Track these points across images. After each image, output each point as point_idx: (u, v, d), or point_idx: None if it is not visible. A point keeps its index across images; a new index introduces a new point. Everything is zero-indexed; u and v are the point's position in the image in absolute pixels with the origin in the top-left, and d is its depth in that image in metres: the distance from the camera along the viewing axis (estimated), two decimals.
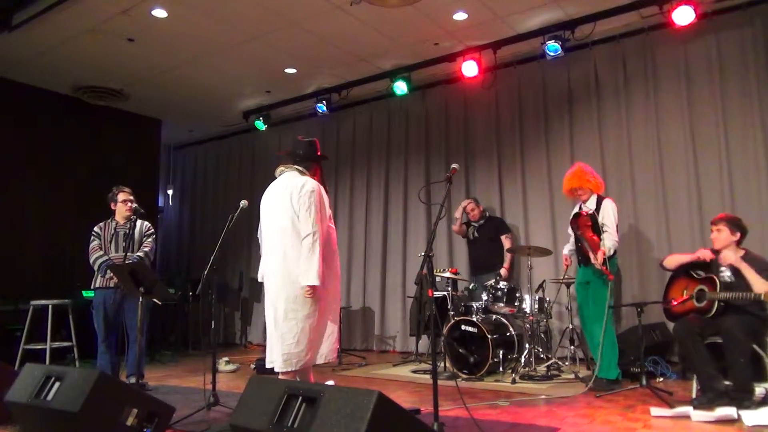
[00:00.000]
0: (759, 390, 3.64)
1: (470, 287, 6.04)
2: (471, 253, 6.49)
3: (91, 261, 4.95)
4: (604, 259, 4.45)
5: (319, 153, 3.86)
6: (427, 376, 5.21)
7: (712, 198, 5.51)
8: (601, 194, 4.83)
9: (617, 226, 4.70)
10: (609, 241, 4.55)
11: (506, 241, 6.21)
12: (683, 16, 5.37)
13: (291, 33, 6.11)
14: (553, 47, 5.97)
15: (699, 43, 5.75)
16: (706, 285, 3.97)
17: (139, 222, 5.08)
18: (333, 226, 3.78)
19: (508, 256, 6.12)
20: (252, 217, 8.67)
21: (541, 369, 5.18)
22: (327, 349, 3.61)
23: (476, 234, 6.36)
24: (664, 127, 5.86)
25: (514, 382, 4.81)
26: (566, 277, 5.56)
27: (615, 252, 4.67)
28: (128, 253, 4.84)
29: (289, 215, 3.56)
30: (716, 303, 3.85)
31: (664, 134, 5.85)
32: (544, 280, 5.68)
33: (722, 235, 4.01)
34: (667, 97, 5.87)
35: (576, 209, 4.91)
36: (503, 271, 5.98)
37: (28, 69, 6.94)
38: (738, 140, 5.45)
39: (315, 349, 3.56)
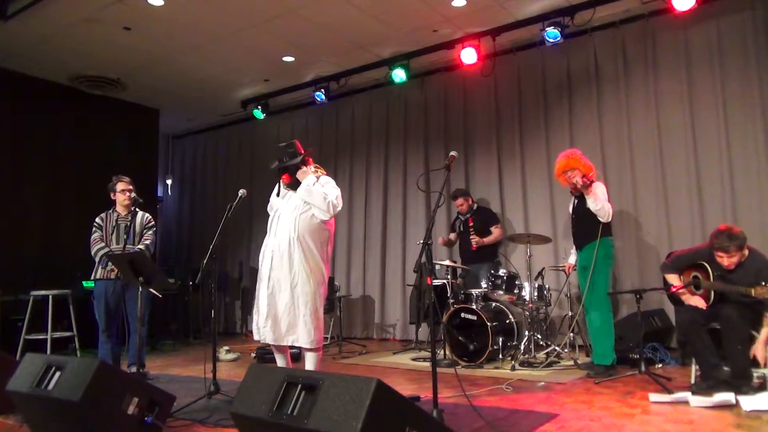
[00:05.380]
0: (757, 375, 3.66)
1: (459, 274, 6.12)
2: (461, 245, 6.48)
3: (93, 252, 4.95)
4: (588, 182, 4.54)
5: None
6: (427, 364, 5.23)
7: (711, 184, 5.50)
8: (593, 179, 4.74)
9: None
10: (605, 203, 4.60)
11: (495, 231, 6.25)
12: (683, 1, 5.34)
13: (289, 21, 6.07)
14: (552, 34, 5.94)
15: (699, 29, 5.71)
16: (700, 272, 3.98)
17: (139, 213, 5.07)
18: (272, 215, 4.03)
19: (494, 233, 6.22)
20: (252, 206, 8.69)
21: (541, 356, 5.20)
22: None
23: (461, 228, 6.38)
24: (664, 113, 5.83)
25: (513, 369, 4.83)
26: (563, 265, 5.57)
27: (610, 230, 4.67)
28: (128, 245, 4.84)
29: None
30: (712, 292, 3.86)
31: (663, 120, 5.83)
32: (543, 268, 5.68)
33: (734, 259, 3.77)
34: (667, 83, 5.84)
35: (573, 202, 4.94)
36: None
37: (24, 59, 6.90)
38: (738, 126, 5.43)
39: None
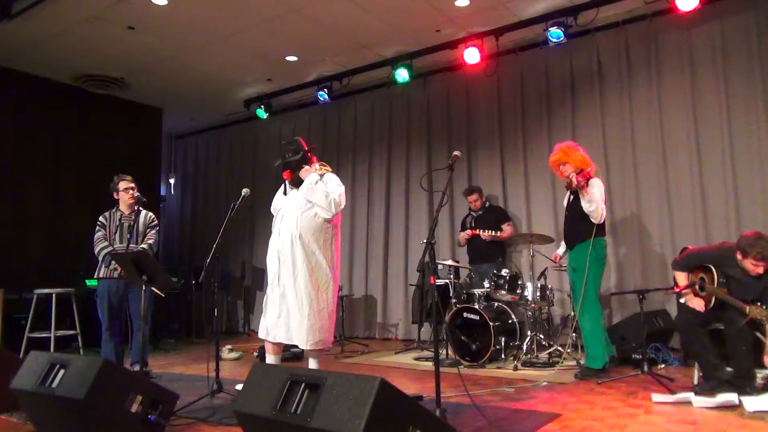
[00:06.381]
0: (760, 376, 3.65)
1: (468, 275, 6.07)
2: (468, 243, 6.42)
3: (96, 251, 4.96)
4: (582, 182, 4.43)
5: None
6: (430, 363, 5.24)
7: (715, 185, 5.49)
8: (590, 175, 4.58)
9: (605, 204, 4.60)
10: (599, 205, 4.47)
11: (507, 228, 6.17)
12: (687, 1, 5.33)
13: (292, 20, 6.07)
14: (555, 34, 5.93)
15: (702, 29, 5.70)
16: (707, 275, 3.96)
17: (143, 213, 5.08)
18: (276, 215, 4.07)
19: (506, 230, 6.09)
20: (254, 205, 8.70)
21: (543, 356, 5.19)
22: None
23: (473, 224, 6.34)
24: (667, 114, 5.82)
25: (515, 369, 4.84)
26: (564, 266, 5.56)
27: (603, 231, 4.60)
28: (131, 245, 4.85)
29: None
30: (713, 298, 3.85)
31: (666, 121, 5.82)
32: (546, 268, 5.68)
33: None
34: (670, 83, 5.84)
35: (568, 198, 4.87)
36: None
37: (28, 58, 6.92)
38: (741, 126, 5.42)
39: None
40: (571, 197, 4.80)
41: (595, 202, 4.45)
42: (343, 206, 3.88)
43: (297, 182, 3.92)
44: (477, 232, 6.05)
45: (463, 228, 6.50)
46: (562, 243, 5.09)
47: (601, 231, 4.59)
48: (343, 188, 3.93)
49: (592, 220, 4.48)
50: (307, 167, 3.91)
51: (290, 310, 3.74)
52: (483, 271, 6.00)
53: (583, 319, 4.55)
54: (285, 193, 4.03)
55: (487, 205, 6.41)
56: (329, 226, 3.86)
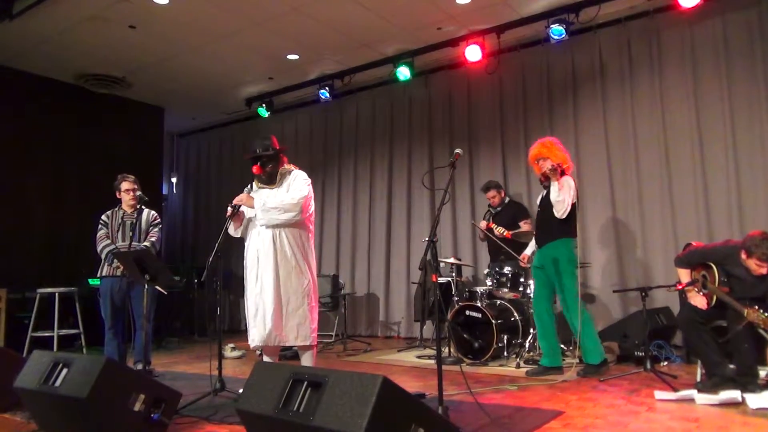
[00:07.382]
0: (763, 373, 3.64)
1: (486, 273, 5.98)
2: (489, 240, 6.22)
3: (99, 249, 4.97)
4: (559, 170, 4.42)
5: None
6: (432, 362, 5.24)
7: (717, 182, 5.48)
8: (567, 173, 4.56)
9: (574, 204, 4.49)
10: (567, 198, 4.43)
11: (525, 226, 5.88)
12: None
13: (293, 19, 6.07)
14: (557, 31, 5.92)
15: (705, 25, 5.68)
16: (709, 273, 3.95)
17: (145, 211, 5.08)
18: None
19: (523, 228, 5.81)
20: None
21: None
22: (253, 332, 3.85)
23: (491, 221, 6.23)
24: (669, 110, 5.81)
25: (518, 366, 4.83)
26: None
27: (574, 231, 4.53)
28: (134, 243, 4.85)
29: None
30: (714, 298, 3.84)
31: (669, 118, 5.81)
32: None
33: None
34: (673, 80, 5.82)
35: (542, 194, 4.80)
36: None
37: (29, 57, 6.93)
38: (744, 123, 5.41)
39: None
40: (544, 193, 4.72)
41: (563, 193, 4.41)
42: (305, 195, 3.90)
43: (261, 177, 4.02)
44: (492, 225, 5.91)
45: None
46: (531, 243, 5.06)
47: (572, 231, 4.54)
48: (309, 181, 4.00)
49: (555, 212, 4.44)
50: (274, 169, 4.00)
51: (266, 308, 3.79)
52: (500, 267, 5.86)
53: (573, 318, 4.50)
54: (251, 189, 4.08)
55: (507, 201, 6.15)
56: (304, 224, 3.96)
